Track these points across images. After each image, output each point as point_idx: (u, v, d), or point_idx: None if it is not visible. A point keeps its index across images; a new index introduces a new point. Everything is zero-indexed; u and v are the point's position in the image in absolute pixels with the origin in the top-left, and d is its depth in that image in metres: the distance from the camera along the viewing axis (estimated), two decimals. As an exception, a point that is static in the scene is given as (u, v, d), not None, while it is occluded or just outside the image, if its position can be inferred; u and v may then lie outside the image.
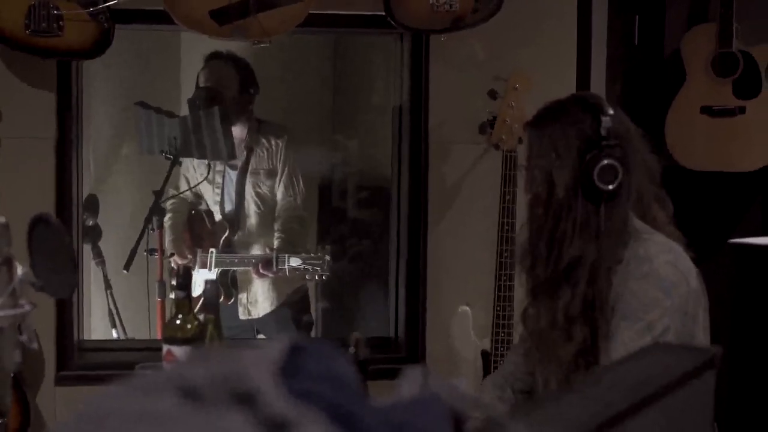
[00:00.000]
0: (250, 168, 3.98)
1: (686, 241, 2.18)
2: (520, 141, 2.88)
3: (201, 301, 4.01)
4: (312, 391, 0.84)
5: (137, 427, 0.74)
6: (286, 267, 3.71)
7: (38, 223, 1.73)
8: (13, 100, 3.29)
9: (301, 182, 4.01)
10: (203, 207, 4.16)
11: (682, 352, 1.33)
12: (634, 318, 2.03)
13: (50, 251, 1.72)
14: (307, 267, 3.69)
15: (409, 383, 0.99)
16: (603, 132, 2.07)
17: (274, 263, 3.73)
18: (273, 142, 3.96)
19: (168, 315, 3.48)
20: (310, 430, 0.76)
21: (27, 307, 1.68)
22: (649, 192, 2.18)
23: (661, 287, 2.04)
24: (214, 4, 3.04)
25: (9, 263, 1.68)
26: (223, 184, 4.04)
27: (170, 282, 3.82)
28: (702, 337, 2.12)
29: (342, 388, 0.88)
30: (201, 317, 2.28)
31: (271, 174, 3.98)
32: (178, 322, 2.22)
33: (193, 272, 3.94)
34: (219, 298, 3.83)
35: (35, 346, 1.62)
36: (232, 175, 4.02)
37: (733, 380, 3.13)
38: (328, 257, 3.69)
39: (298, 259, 3.70)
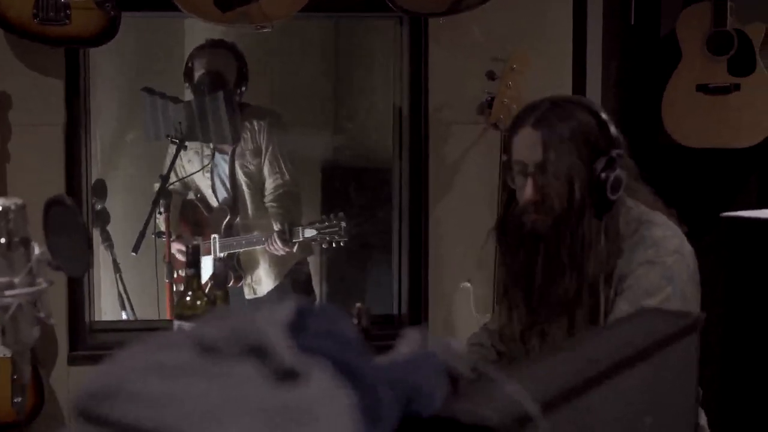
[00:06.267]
0: (237, 151, 4.04)
1: (676, 212, 2.19)
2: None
3: (209, 285, 4.08)
4: (316, 346, 0.92)
5: (157, 377, 0.83)
6: (301, 239, 3.74)
7: (54, 204, 1.80)
8: (23, 87, 3.34)
9: (287, 161, 4.04)
10: (191, 197, 4.20)
11: (664, 317, 1.41)
12: (635, 303, 2.03)
13: (65, 232, 1.79)
14: (323, 235, 3.72)
15: (408, 343, 1.07)
16: (612, 140, 2.04)
17: (288, 235, 3.78)
18: (255, 123, 4.01)
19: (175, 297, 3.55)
20: (318, 378, 0.84)
21: (44, 285, 1.75)
22: (631, 183, 2.14)
23: (665, 275, 2.05)
24: (217, -9, 3.11)
25: (26, 243, 1.75)
26: (211, 169, 4.10)
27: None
28: (694, 309, 2.12)
29: (344, 345, 0.96)
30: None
31: (257, 153, 4.02)
32: (188, 299, 2.30)
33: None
34: (227, 275, 3.86)
35: (52, 322, 1.70)
36: (222, 160, 4.08)
37: (726, 349, 3.20)
38: (344, 223, 3.69)
39: (312, 230, 3.72)
